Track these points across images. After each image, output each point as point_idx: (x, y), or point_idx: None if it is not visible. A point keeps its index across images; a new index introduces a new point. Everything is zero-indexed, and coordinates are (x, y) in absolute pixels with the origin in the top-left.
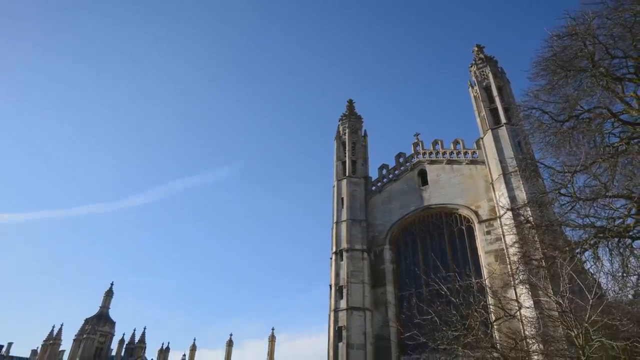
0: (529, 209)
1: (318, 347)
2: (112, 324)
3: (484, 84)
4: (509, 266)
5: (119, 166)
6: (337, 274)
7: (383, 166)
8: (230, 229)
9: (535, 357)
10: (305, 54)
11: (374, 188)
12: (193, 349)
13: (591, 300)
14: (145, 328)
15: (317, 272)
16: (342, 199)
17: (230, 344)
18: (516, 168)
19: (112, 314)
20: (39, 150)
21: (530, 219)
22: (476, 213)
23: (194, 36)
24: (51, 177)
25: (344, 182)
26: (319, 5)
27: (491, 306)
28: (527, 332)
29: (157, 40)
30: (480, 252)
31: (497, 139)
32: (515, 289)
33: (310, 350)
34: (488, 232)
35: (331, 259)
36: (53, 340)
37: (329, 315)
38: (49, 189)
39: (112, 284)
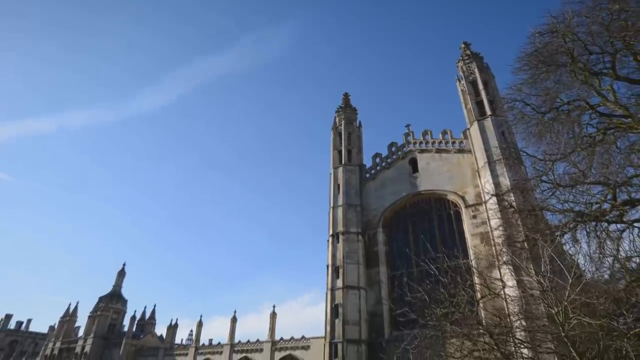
0: (512, 194)
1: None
2: (125, 301)
3: (471, 78)
4: (493, 248)
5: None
6: (334, 255)
7: (376, 155)
8: (243, 214)
9: (518, 333)
10: (303, 51)
11: (368, 175)
12: (200, 325)
13: (570, 280)
14: (155, 305)
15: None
16: (339, 185)
17: (234, 320)
18: (500, 156)
19: (125, 292)
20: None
21: (514, 204)
22: (463, 198)
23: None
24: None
25: (340, 169)
26: (317, 6)
27: (477, 285)
28: (510, 310)
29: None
30: (467, 235)
31: (482, 130)
32: (499, 269)
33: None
34: (474, 216)
35: (328, 241)
36: (69, 317)
37: (326, 294)
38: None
39: (124, 265)
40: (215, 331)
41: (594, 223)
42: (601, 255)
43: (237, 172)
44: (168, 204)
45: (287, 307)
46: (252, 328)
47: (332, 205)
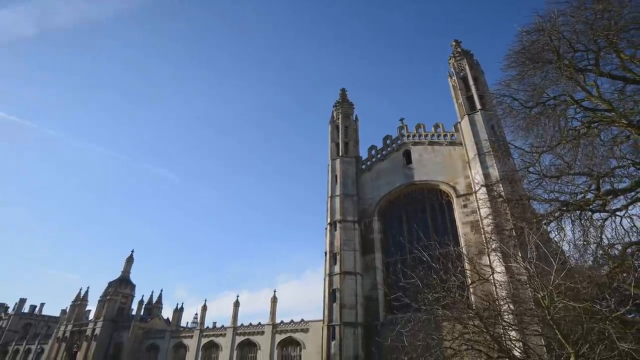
0: (501, 185)
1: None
2: (133, 286)
3: (461, 74)
4: (483, 236)
5: None
6: (332, 243)
7: (372, 147)
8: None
9: (507, 316)
10: (303, 49)
11: (364, 166)
12: (204, 308)
13: (555, 266)
14: (162, 290)
15: None
16: (336, 176)
17: (236, 304)
18: (490, 149)
19: (133, 277)
20: None
21: (502, 194)
22: (454, 188)
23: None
24: None
25: (338, 161)
26: (317, 7)
27: (467, 271)
28: (499, 294)
29: None
30: (458, 223)
31: (473, 123)
32: (488, 256)
33: None
34: (465, 206)
35: (326, 229)
36: (80, 301)
37: (324, 280)
38: None
39: (132, 251)
40: (226, 307)
41: (578, 212)
42: (585, 243)
43: (239, 165)
44: (180, 173)
45: (302, 281)
46: (264, 303)
47: (330, 195)
